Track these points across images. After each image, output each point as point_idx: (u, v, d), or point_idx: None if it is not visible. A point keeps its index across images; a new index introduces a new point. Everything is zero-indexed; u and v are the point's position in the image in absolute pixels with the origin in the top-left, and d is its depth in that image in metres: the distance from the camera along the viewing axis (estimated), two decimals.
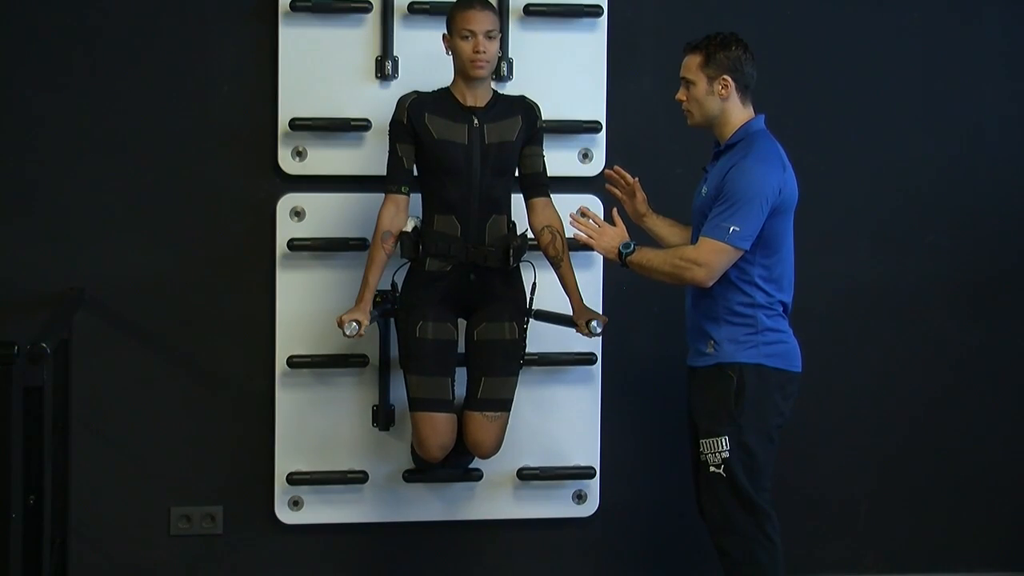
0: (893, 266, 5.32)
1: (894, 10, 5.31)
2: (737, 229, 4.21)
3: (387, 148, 4.65)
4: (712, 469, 4.30)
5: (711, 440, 4.31)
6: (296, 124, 4.91)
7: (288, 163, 4.96)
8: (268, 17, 4.92)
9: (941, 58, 5.34)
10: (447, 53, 4.61)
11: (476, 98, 4.61)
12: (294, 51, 4.92)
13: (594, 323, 4.63)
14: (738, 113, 4.39)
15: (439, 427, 4.59)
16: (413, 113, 4.57)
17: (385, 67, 4.95)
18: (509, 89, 4.91)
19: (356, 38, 4.96)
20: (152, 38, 4.92)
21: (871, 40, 5.32)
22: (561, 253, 4.66)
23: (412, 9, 4.95)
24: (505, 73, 4.97)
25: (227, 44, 4.95)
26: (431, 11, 4.94)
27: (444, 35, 4.61)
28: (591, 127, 5.07)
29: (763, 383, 4.30)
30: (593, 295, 5.06)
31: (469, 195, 4.56)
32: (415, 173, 4.65)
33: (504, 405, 4.63)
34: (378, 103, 4.95)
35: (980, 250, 5.39)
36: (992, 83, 5.38)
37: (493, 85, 4.74)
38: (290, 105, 4.93)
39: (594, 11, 5.04)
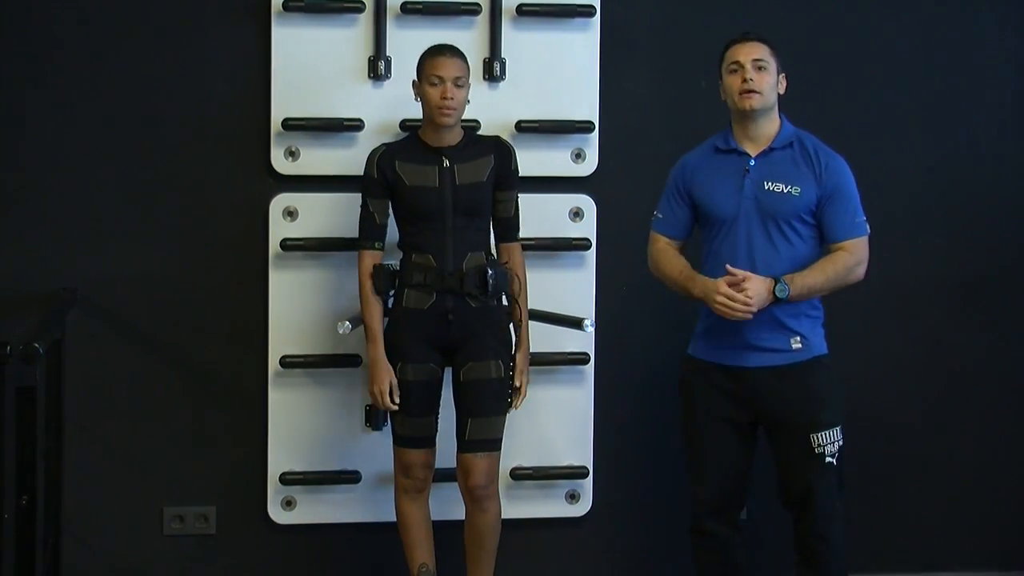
0: (891, 265, 5.29)
1: (888, 11, 5.31)
2: (864, 219, 4.40)
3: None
4: (828, 460, 4.35)
5: (829, 431, 4.35)
6: (289, 124, 4.91)
7: (281, 163, 4.96)
8: (261, 17, 4.92)
9: (935, 58, 5.34)
10: (416, 99, 4.60)
11: (445, 140, 4.60)
12: (287, 51, 4.92)
13: (586, 321, 4.76)
14: (777, 111, 4.45)
15: (422, 459, 4.67)
16: (384, 164, 4.58)
17: (378, 67, 4.95)
18: (502, 89, 4.92)
19: (349, 38, 4.95)
20: (144, 37, 4.92)
21: (865, 40, 5.32)
22: (517, 295, 4.70)
23: (405, 9, 4.95)
24: (498, 73, 4.97)
25: (220, 44, 4.95)
26: (424, 11, 4.95)
27: (414, 81, 4.61)
28: (584, 127, 5.06)
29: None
30: (586, 295, 5.07)
31: (443, 237, 4.57)
32: (389, 223, 4.66)
33: (493, 444, 4.65)
34: (371, 103, 4.95)
35: (975, 250, 5.39)
36: (987, 84, 5.38)
37: (486, 87, 4.75)
38: (283, 105, 4.92)
39: (587, 11, 5.04)
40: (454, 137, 4.62)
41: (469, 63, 4.62)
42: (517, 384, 4.68)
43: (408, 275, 4.60)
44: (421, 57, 4.60)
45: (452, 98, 4.51)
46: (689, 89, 5.17)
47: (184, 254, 4.98)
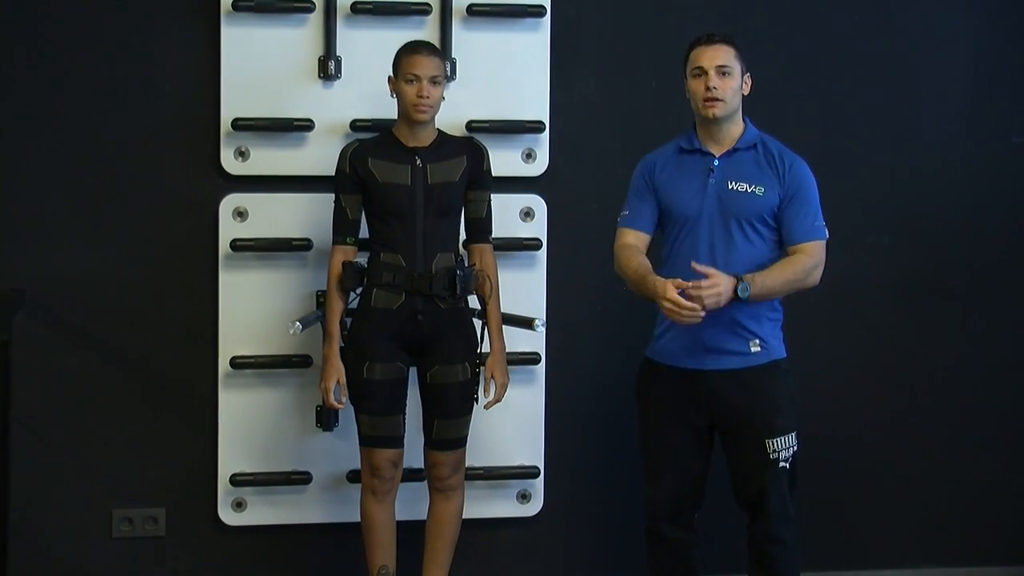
0: (846, 266, 5.29)
1: (834, 18, 5.33)
2: (823, 224, 4.39)
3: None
4: (781, 465, 4.36)
5: (784, 437, 4.35)
6: (239, 124, 4.90)
7: (231, 163, 4.94)
8: (210, 16, 4.90)
9: (881, 61, 5.37)
10: (392, 96, 4.62)
11: (419, 139, 4.62)
12: (236, 51, 4.90)
13: (536, 321, 4.74)
14: (740, 113, 4.44)
15: (389, 458, 4.66)
16: (356, 160, 4.60)
17: (328, 67, 4.94)
18: (452, 89, 4.91)
19: (299, 38, 4.94)
20: (93, 37, 4.89)
21: (813, 45, 5.34)
22: (488, 297, 4.70)
23: (355, 9, 4.94)
24: (448, 73, 4.97)
25: (169, 43, 4.93)
26: (374, 11, 4.94)
27: (390, 77, 4.62)
28: (534, 127, 5.07)
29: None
30: (537, 295, 5.08)
31: (413, 235, 4.57)
32: (362, 219, 4.66)
33: (458, 443, 4.71)
34: (321, 103, 4.95)
35: (928, 251, 5.40)
36: (938, 88, 5.41)
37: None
38: (232, 105, 4.91)
39: (537, 11, 5.05)
40: (428, 136, 4.63)
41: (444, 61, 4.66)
42: (496, 393, 4.69)
43: (376, 274, 4.60)
44: (397, 54, 4.60)
45: (428, 96, 4.53)
46: (639, 89, 5.19)
47: (134, 255, 4.95)
